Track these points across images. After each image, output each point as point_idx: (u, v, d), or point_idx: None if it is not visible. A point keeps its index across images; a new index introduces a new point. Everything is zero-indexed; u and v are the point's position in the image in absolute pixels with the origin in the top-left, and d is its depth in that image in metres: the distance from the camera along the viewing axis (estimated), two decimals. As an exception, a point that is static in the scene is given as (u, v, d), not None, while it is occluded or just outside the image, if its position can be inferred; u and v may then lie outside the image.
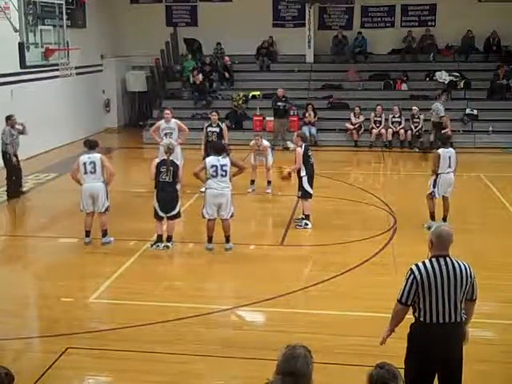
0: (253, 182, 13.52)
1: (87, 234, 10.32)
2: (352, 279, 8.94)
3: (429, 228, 10.59)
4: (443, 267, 4.90)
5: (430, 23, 21.94)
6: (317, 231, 11.11)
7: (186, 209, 12.50)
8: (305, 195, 11.11)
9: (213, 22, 22.03)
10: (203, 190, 13.21)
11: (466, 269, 4.95)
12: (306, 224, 11.12)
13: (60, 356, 6.72)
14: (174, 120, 13.69)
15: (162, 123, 13.73)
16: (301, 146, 10.99)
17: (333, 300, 8.26)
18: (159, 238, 10.13)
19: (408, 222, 11.07)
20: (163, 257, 10.26)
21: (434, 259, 4.95)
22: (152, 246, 10.14)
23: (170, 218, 10.09)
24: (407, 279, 4.96)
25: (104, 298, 8.37)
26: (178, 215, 10.22)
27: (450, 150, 10.90)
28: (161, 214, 10.03)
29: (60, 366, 6.57)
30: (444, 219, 10.70)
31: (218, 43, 22.12)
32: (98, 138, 20.18)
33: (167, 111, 13.82)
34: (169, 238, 10.16)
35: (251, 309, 8.10)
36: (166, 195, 9.98)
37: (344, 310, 7.87)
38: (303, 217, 11.26)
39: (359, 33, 21.88)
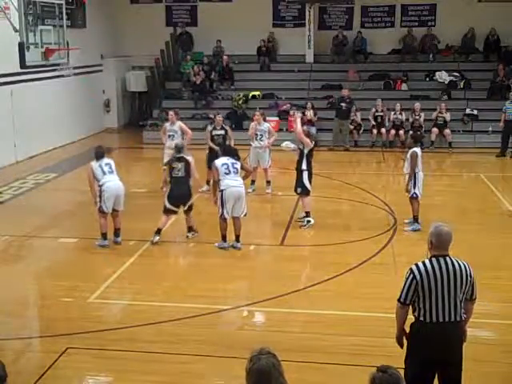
0: (253, 182, 13.50)
1: (106, 236, 10.16)
2: (352, 279, 8.94)
3: (414, 230, 10.71)
4: (443, 267, 4.91)
5: (430, 23, 21.93)
6: (317, 231, 11.11)
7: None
8: (304, 191, 11.09)
9: (213, 21, 22.02)
10: (204, 189, 13.26)
11: (465, 268, 4.97)
12: (309, 221, 11.15)
13: (60, 356, 6.72)
14: (178, 122, 13.65)
15: (167, 125, 13.78)
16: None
17: (333, 300, 8.26)
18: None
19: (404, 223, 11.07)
20: (163, 257, 10.27)
21: (433, 259, 4.97)
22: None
23: (186, 212, 10.50)
24: (407, 279, 4.98)
25: (104, 298, 8.36)
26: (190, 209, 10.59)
27: (419, 148, 10.95)
28: (170, 207, 10.30)
29: (60, 366, 6.57)
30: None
31: (218, 40, 22.08)
32: (98, 137, 20.33)
33: (171, 113, 13.83)
34: (190, 228, 10.63)
35: (251, 309, 8.10)
36: (181, 190, 10.33)
37: (344, 310, 7.87)
38: (304, 215, 11.28)
39: (359, 32, 21.88)
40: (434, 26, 21.76)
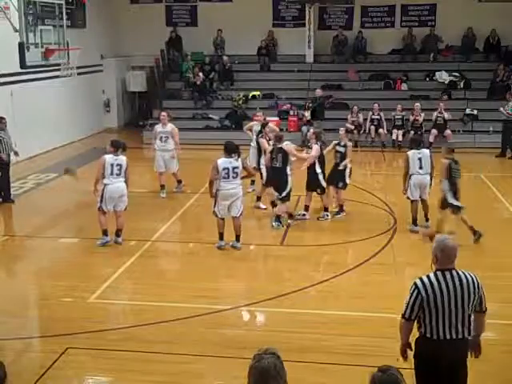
0: (253, 182, 13.47)
1: (106, 232, 10.15)
2: (352, 279, 8.95)
3: (412, 231, 10.69)
4: (449, 281, 4.74)
5: (429, 23, 21.94)
6: (317, 231, 11.12)
7: (187, 209, 12.53)
8: (323, 191, 11.50)
9: (213, 22, 22.04)
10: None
11: (473, 281, 4.80)
12: (327, 215, 11.61)
13: (60, 356, 6.72)
14: (170, 124, 13.38)
15: (158, 127, 13.49)
16: (317, 144, 11.27)
17: (333, 300, 8.27)
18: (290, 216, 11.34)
19: (408, 223, 11.04)
20: (163, 257, 10.29)
21: (438, 272, 4.80)
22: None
23: (281, 200, 10.98)
24: (411, 293, 4.80)
25: (104, 298, 8.35)
26: (286, 197, 10.95)
27: (423, 151, 10.79)
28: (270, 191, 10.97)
29: (60, 366, 6.57)
30: (426, 219, 10.86)
31: (219, 30, 22.04)
32: (98, 138, 20.33)
33: (163, 113, 13.57)
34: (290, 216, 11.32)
35: (251, 309, 8.10)
36: (277, 179, 10.87)
37: (344, 310, 7.88)
38: (304, 213, 11.56)
39: (359, 32, 21.89)
40: (434, 25, 21.76)
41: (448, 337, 4.76)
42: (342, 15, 22.56)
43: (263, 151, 11.80)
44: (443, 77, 20.65)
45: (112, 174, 9.98)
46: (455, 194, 10.19)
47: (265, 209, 11.96)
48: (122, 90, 22.81)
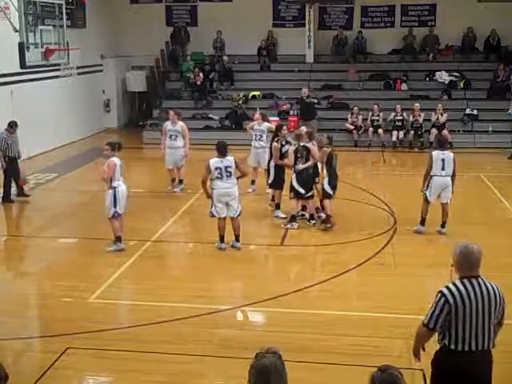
0: (253, 182, 13.50)
1: (120, 239, 9.92)
2: (352, 279, 8.95)
3: (416, 232, 10.66)
4: (477, 289, 4.56)
5: (429, 23, 21.96)
6: (317, 231, 11.11)
7: (187, 209, 12.53)
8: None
9: (213, 22, 22.05)
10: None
11: (498, 291, 4.66)
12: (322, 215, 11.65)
13: (60, 356, 6.72)
14: (180, 123, 13.55)
15: (167, 124, 13.64)
16: (310, 143, 11.16)
17: (332, 300, 8.27)
18: (293, 218, 11.19)
19: (408, 222, 11.04)
20: (163, 257, 10.28)
21: (465, 280, 4.57)
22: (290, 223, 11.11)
23: (307, 198, 11.11)
24: (437, 302, 4.56)
25: (104, 298, 8.35)
26: (312, 196, 11.15)
27: (446, 152, 10.63)
28: (300, 190, 10.89)
29: (60, 366, 6.56)
30: (442, 225, 10.69)
31: (219, 31, 22.06)
32: (98, 138, 20.33)
33: (171, 112, 13.72)
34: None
35: (251, 309, 8.10)
36: (304, 177, 10.92)
37: (344, 310, 7.87)
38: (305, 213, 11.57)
39: (359, 32, 21.90)
40: (434, 25, 21.78)
41: (474, 348, 4.60)
42: (342, 15, 22.57)
43: (275, 154, 11.64)
44: (443, 77, 20.66)
45: (121, 174, 9.92)
46: (332, 181, 10.94)
47: (284, 218, 11.50)
48: (122, 90, 22.82)
